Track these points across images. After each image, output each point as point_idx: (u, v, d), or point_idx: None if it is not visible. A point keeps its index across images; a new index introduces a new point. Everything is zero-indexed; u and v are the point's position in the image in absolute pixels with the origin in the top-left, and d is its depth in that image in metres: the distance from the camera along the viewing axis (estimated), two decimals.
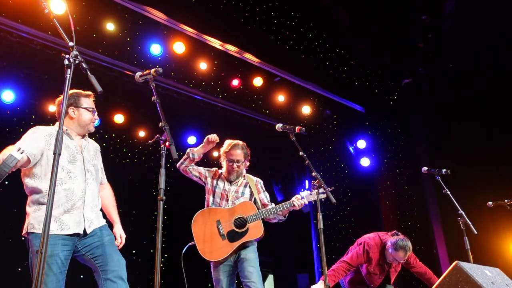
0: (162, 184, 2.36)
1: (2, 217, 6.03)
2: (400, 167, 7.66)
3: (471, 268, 2.96)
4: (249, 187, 3.85)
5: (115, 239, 3.06)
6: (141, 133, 7.29)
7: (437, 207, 6.97)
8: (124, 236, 3.15)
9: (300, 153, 3.17)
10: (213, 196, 3.79)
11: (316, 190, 3.35)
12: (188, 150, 3.88)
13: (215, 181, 3.84)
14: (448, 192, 4.08)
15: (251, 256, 3.59)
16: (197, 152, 3.86)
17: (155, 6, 5.71)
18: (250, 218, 3.62)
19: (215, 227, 3.61)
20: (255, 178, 3.92)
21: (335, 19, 7.06)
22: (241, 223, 3.61)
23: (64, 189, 2.75)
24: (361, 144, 8.02)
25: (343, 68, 7.56)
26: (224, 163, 3.86)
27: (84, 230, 2.78)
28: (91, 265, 2.84)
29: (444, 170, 4.22)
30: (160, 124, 2.50)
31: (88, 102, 2.97)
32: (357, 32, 7.21)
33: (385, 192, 7.73)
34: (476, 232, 3.88)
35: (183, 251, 3.71)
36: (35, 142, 2.70)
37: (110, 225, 3.17)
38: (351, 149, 8.17)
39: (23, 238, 2.84)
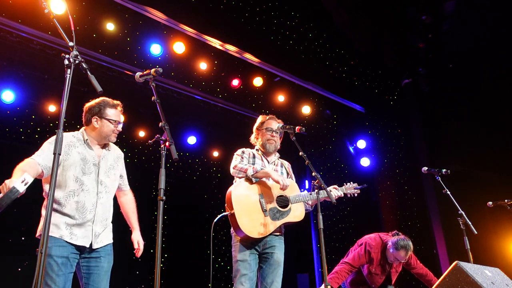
0: (162, 184, 2.36)
1: (2, 217, 6.02)
2: (400, 167, 7.66)
3: (471, 268, 2.96)
4: (285, 168, 3.73)
5: (133, 246, 3.20)
6: (141, 133, 7.29)
7: (437, 207, 6.97)
8: (142, 243, 3.21)
9: (300, 153, 3.17)
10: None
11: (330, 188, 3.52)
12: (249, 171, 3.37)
13: (252, 160, 3.55)
14: (448, 192, 4.08)
15: (279, 259, 3.34)
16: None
17: (155, 6, 5.71)
18: (293, 198, 3.39)
19: (257, 201, 3.29)
20: (285, 161, 3.81)
21: (335, 19, 7.05)
22: (284, 202, 3.38)
23: (75, 201, 2.79)
24: (361, 144, 8.02)
25: (343, 68, 7.56)
26: (260, 137, 3.63)
27: (91, 245, 2.82)
28: (80, 278, 2.86)
29: (444, 170, 4.22)
30: (160, 124, 2.50)
31: (113, 112, 2.98)
32: (357, 32, 7.20)
33: (385, 192, 7.73)
34: (476, 232, 3.88)
35: (215, 220, 3.36)
36: (51, 153, 2.60)
37: (128, 230, 3.18)
38: (351, 149, 8.17)
39: (36, 238, 2.87)
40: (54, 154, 1.96)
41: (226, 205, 3.34)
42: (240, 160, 3.51)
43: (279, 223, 3.30)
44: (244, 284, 3.17)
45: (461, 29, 6.84)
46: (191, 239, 8.15)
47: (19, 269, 5.94)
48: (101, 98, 2.98)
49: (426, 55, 7.43)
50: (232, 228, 3.35)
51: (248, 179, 3.37)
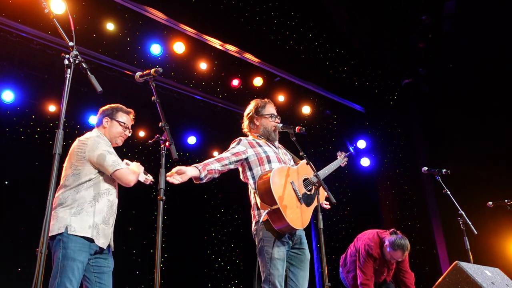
0: (162, 184, 2.36)
1: (2, 218, 6.02)
2: (400, 167, 7.66)
3: (471, 268, 2.96)
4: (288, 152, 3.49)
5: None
6: (141, 133, 7.29)
7: (437, 207, 6.97)
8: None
9: (301, 153, 3.16)
10: (269, 162, 3.07)
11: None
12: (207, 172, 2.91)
13: (260, 148, 3.16)
14: (448, 192, 4.08)
15: (309, 255, 3.08)
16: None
17: (155, 6, 5.71)
18: (314, 179, 3.13)
19: (291, 189, 2.98)
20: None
21: (335, 19, 7.05)
22: (308, 185, 3.15)
23: (108, 200, 2.90)
24: (361, 144, 8.02)
25: (343, 68, 7.56)
26: (261, 124, 3.32)
27: (108, 246, 2.94)
28: (89, 281, 2.85)
29: (444, 170, 4.22)
30: (160, 124, 2.50)
31: (124, 118, 3.17)
32: (357, 32, 7.21)
33: (385, 192, 7.73)
34: (476, 232, 3.88)
35: (263, 217, 2.90)
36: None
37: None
38: (351, 149, 8.17)
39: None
40: (54, 154, 1.96)
41: (261, 201, 2.90)
42: (236, 147, 3.17)
43: (312, 208, 3.08)
44: (281, 285, 2.81)
45: (461, 29, 6.84)
46: (191, 239, 8.14)
47: (19, 269, 5.94)
48: (116, 105, 3.19)
49: (426, 55, 7.43)
50: (260, 224, 2.92)
51: (280, 167, 3.02)
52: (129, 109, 3.21)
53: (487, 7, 6.54)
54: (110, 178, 2.92)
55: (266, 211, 2.85)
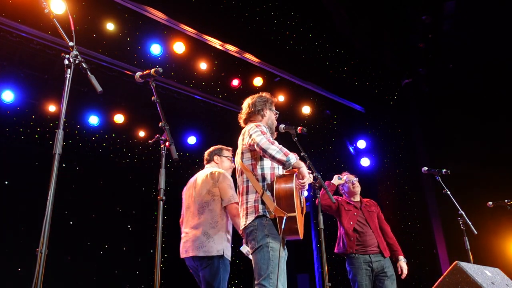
0: (162, 184, 2.36)
1: (3, 218, 6.03)
2: (400, 167, 7.66)
3: (471, 268, 2.96)
4: None
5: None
6: (141, 133, 7.29)
7: (437, 207, 6.97)
8: None
9: (302, 153, 3.16)
10: None
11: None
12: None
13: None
14: (448, 192, 4.08)
15: None
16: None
17: (155, 6, 5.71)
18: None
19: (299, 197, 2.87)
20: None
21: (335, 19, 7.05)
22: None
23: None
24: (361, 144, 8.02)
25: (343, 68, 7.56)
26: (269, 116, 3.18)
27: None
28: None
29: (444, 170, 4.22)
30: (160, 124, 2.49)
31: (228, 153, 3.80)
32: (357, 32, 7.20)
33: (385, 192, 7.73)
34: (476, 232, 3.88)
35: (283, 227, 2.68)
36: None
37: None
38: (351, 149, 8.17)
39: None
40: (54, 154, 1.96)
41: (277, 205, 2.66)
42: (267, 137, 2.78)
43: (303, 216, 2.98)
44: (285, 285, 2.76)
45: (461, 29, 6.84)
46: None
47: (19, 269, 5.95)
48: (218, 146, 3.83)
49: (426, 55, 7.42)
50: (265, 219, 2.74)
51: (290, 173, 2.78)
52: (228, 147, 3.87)
53: (487, 7, 6.54)
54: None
55: (286, 215, 2.64)
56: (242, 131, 3.01)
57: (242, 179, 2.90)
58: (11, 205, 6.15)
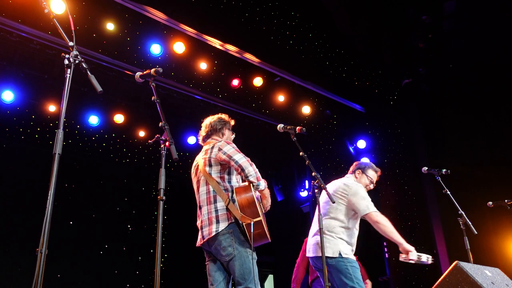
0: (162, 184, 2.36)
1: (3, 218, 6.03)
2: (400, 167, 7.66)
3: (471, 268, 2.96)
4: None
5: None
6: (141, 133, 7.29)
7: (437, 207, 6.97)
8: None
9: (301, 153, 3.17)
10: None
11: None
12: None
13: None
14: (448, 192, 4.08)
15: None
16: None
17: (155, 6, 5.71)
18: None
19: (260, 205, 3.12)
20: None
21: (335, 19, 7.05)
22: None
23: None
24: (361, 144, 8.02)
25: (343, 68, 7.56)
26: (229, 135, 3.45)
27: None
28: None
29: (444, 170, 4.22)
30: (160, 124, 2.49)
31: (373, 174, 4.04)
32: (357, 32, 7.20)
33: (385, 192, 7.72)
34: (476, 232, 3.88)
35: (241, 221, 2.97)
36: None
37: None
38: (351, 149, 8.17)
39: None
40: (54, 154, 1.96)
41: (242, 213, 2.91)
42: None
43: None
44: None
45: (461, 29, 6.84)
46: (191, 239, 8.14)
47: (19, 269, 5.95)
48: (366, 162, 4.06)
49: (426, 55, 7.42)
50: (239, 225, 2.96)
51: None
52: (378, 168, 4.09)
53: (487, 7, 6.54)
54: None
55: (253, 221, 2.87)
56: (211, 145, 3.19)
57: (207, 188, 3.09)
58: (11, 205, 6.15)
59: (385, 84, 7.93)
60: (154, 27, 5.90)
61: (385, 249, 7.23)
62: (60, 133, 1.99)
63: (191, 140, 7.68)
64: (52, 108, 6.35)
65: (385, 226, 3.54)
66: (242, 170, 2.95)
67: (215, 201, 3.03)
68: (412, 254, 3.55)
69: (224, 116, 3.46)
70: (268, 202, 3.16)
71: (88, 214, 6.98)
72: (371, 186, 4.06)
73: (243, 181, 3.10)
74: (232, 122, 3.51)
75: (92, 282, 6.75)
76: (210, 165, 3.10)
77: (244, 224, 2.89)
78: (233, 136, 3.48)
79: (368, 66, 7.70)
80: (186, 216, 8.07)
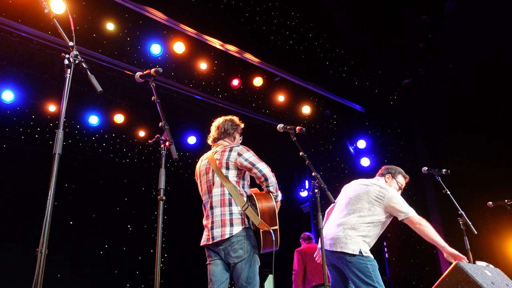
0: (162, 184, 2.36)
1: (3, 218, 6.03)
2: (400, 167, 7.64)
3: (471, 268, 2.96)
4: None
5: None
6: (141, 133, 7.29)
7: (437, 207, 6.97)
8: None
9: (301, 153, 3.17)
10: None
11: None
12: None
13: None
14: (448, 192, 4.08)
15: None
16: None
17: (155, 6, 5.71)
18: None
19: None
20: None
21: (335, 19, 7.05)
22: None
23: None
24: (361, 144, 8.02)
25: (343, 68, 7.56)
26: (239, 139, 3.50)
27: None
28: None
29: (444, 170, 4.21)
30: (160, 124, 2.49)
31: (402, 180, 3.97)
32: (357, 32, 7.20)
33: None
34: (476, 232, 3.88)
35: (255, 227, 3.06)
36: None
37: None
38: (351, 149, 8.17)
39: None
40: (54, 154, 1.96)
41: (262, 220, 2.96)
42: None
43: None
44: None
45: (461, 29, 6.84)
46: (191, 239, 8.14)
47: (19, 269, 5.94)
48: (396, 167, 3.99)
49: (426, 55, 7.42)
50: (252, 231, 3.02)
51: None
52: (407, 175, 4.03)
53: (487, 7, 6.54)
54: None
55: (271, 229, 2.92)
56: (226, 148, 3.22)
57: (223, 191, 3.09)
58: (11, 205, 6.15)
59: (385, 84, 7.93)
60: (154, 27, 5.90)
61: (385, 249, 7.23)
62: (60, 133, 1.99)
63: (191, 140, 7.68)
64: (52, 108, 6.35)
65: (427, 228, 3.45)
66: (266, 179, 3.05)
67: (230, 204, 3.03)
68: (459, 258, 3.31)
69: (236, 120, 3.50)
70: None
71: (88, 214, 6.98)
72: (399, 192, 4.00)
73: (261, 189, 3.17)
74: (242, 125, 3.53)
75: (92, 282, 6.75)
76: (228, 168, 3.11)
77: (261, 230, 2.94)
78: (241, 139, 3.51)
79: (368, 66, 7.70)
80: (186, 216, 8.08)
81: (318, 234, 3.09)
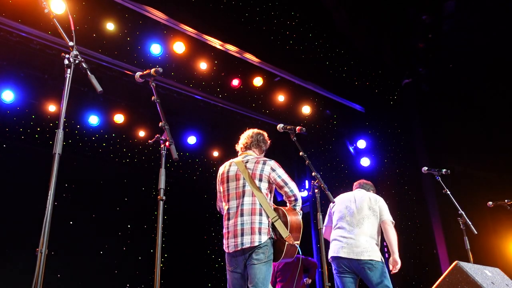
0: (162, 184, 2.36)
1: (3, 218, 6.03)
2: (400, 167, 7.65)
3: (471, 268, 2.96)
4: None
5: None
6: (141, 133, 7.29)
7: (437, 207, 6.97)
8: None
9: (301, 153, 3.18)
10: None
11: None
12: None
13: None
14: (448, 192, 4.08)
15: None
16: None
17: (155, 6, 5.71)
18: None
19: None
20: None
21: (335, 19, 7.05)
22: None
23: None
24: (361, 144, 8.02)
25: (343, 68, 7.56)
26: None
27: None
28: None
29: (444, 170, 4.22)
30: (160, 124, 2.50)
31: None
32: (357, 32, 7.20)
33: (385, 192, 7.72)
34: (476, 232, 3.88)
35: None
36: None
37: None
38: (351, 149, 8.17)
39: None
40: (54, 154, 1.96)
41: (291, 233, 3.18)
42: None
43: None
44: None
45: (461, 29, 6.84)
46: (191, 239, 8.14)
47: (20, 269, 5.94)
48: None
49: (426, 55, 7.42)
50: (273, 240, 3.22)
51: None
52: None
53: (487, 7, 6.54)
54: None
55: (296, 243, 3.14)
56: (259, 159, 3.38)
57: (253, 200, 3.23)
58: (11, 205, 6.15)
59: (385, 84, 7.92)
60: (154, 27, 5.90)
61: (385, 249, 7.23)
62: (60, 133, 1.99)
63: (191, 140, 7.68)
64: (52, 108, 6.35)
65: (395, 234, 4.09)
66: (295, 200, 3.31)
67: (260, 214, 3.18)
68: (397, 267, 3.96)
69: (267, 136, 3.69)
70: None
71: (88, 214, 6.98)
72: None
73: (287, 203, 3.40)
74: (269, 142, 3.72)
75: (92, 282, 6.74)
76: (261, 180, 3.27)
77: (287, 243, 3.13)
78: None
79: (368, 66, 7.69)
80: (186, 216, 8.09)
81: (318, 234, 3.09)
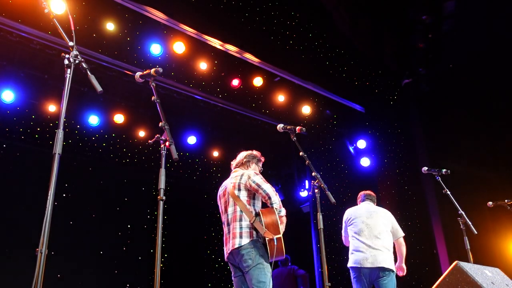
0: (162, 184, 2.36)
1: (3, 218, 6.03)
2: (400, 167, 7.65)
3: (471, 268, 2.96)
4: None
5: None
6: (141, 133, 7.29)
7: (437, 207, 6.97)
8: None
9: (301, 153, 3.18)
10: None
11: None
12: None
13: None
14: (448, 192, 4.08)
15: None
16: None
17: (155, 6, 5.70)
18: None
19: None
20: None
21: (335, 19, 7.05)
22: None
23: None
24: (361, 144, 8.02)
25: (343, 68, 7.56)
26: (256, 167, 3.87)
27: None
28: None
29: (444, 170, 4.22)
30: (160, 124, 2.50)
31: None
32: (357, 32, 7.20)
33: (385, 192, 7.72)
34: (476, 232, 3.88)
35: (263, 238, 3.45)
36: None
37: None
38: (351, 149, 8.17)
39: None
40: (54, 154, 1.96)
41: (267, 229, 3.31)
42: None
43: None
44: None
45: (461, 29, 6.84)
46: (191, 239, 8.15)
47: (20, 269, 5.94)
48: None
49: (426, 55, 7.42)
50: (261, 242, 3.34)
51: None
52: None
53: (487, 7, 6.54)
54: None
55: (275, 237, 3.25)
56: (241, 173, 3.60)
57: (235, 208, 3.49)
58: (11, 205, 6.16)
59: (385, 84, 7.92)
60: (154, 27, 5.90)
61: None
62: (60, 133, 1.99)
63: (191, 140, 7.68)
64: (52, 108, 6.35)
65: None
66: (269, 198, 3.42)
67: (240, 219, 3.41)
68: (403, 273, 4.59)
69: (255, 153, 3.91)
70: (283, 227, 3.46)
71: (88, 214, 6.98)
72: None
73: (267, 206, 3.54)
74: (263, 159, 3.94)
75: (92, 282, 6.75)
76: (239, 189, 3.50)
77: (267, 238, 3.27)
78: (261, 169, 3.91)
79: (368, 66, 7.69)
80: (186, 216, 8.09)
81: (318, 234, 3.09)
